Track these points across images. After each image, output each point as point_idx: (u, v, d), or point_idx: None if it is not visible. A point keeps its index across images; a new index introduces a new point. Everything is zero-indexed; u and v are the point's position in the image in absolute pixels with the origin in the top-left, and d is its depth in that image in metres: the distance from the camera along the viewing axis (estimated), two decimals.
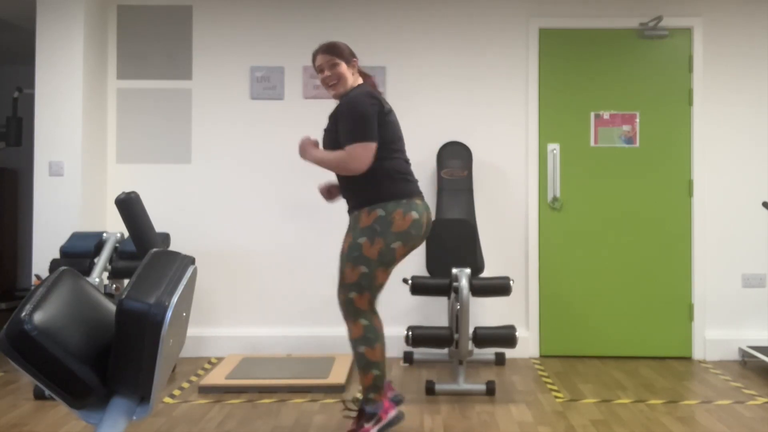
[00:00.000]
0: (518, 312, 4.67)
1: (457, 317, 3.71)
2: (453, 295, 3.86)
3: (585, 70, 4.68)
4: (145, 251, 3.29)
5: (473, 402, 3.59)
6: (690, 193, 4.65)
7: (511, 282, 3.84)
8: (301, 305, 4.68)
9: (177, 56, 4.73)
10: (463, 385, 3.72)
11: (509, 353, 4.62)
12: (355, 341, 2.88)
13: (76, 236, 3.98)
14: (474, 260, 3.97)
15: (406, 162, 2.98)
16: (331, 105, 4.61)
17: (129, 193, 3.28)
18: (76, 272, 2.02)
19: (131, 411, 1.91)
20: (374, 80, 3.11)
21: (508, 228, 4.67)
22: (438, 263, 3.99)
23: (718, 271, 4.62)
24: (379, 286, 2.89)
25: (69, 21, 4.39)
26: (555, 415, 3.38)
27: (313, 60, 3.00)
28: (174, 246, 4.69)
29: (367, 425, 2.88)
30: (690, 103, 4.65)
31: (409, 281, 3.94)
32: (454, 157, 4.55)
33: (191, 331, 4.66)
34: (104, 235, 3.99)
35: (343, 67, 2.94)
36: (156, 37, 4.73)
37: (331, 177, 4.64)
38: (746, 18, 4.65)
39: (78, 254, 3.88)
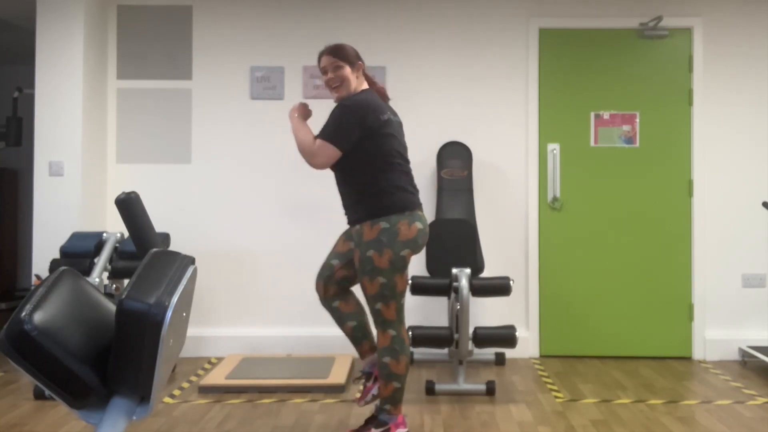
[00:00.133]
0: (518, 312, 4.67)
1: (457, 317, 3.71)
2: (453, 295, 3.86)
3: (585, 70, 4.68)
4: (145, 251, 3.29)
5: (473, 402, 3.59)
6: (690, 193, 4.65)
7: (511, 282, 3.84)
8: (301, 305, 4.68)
9: (177, 56, 4.73)
10: (463, 385, 3.73)
11: (509, 353, 4.62)
12: (382, 351, 2.87)
13: (76, 236, 3.98)
14: (474, 260, 3.97)
15: (407, 173, 2.91)
16: (331, 106, 4.60)
17: (129, 193, 3.28)
18: (76, 272, 2.02)
19: (131, 411, 1.91)
20: (384, 87, 3.07)
21: (508, 228, 4.67)
22: (438, 263, 3.99)
23: (718, 271, 4.62)
24: (401, 293, 2.86)
25: (69, 21, 4.39)
26: (555, 415, 3.38)
27: (319, 60, 2.97)
28: (174, 246, 4.69)
29: (374, 430, 2.88)
30: (690, 103, 4.65)
31: (409, 281, 3.94)
32: (454, 157, 4.55)
33: (191, 331, 4.66)
34: (104, 235, 3.99)
35: (347, 70, 2.91)
36: (156, 37, 4.73)
37: (331, 180, 4.65)
38: (746, 18, 4.65)
39: (78, 254, 3.88)
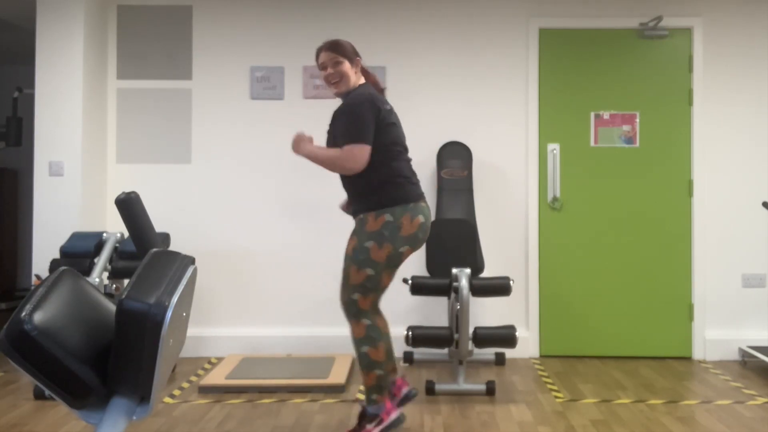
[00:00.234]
0: (518, 312, 4.67)
1: (457, 317, 3.71)
2: (453, 295, 3.86)
3: (585, 70, 4.68)
4: (145, 251, 3.30)
5: (473, 402, 3.59)
6: (690, 193, 4.65)
7: (511, 282, 3.84)
8: (301, 305, 4.68)
9: (177, 56, 4.73)
10: (463, 385, 3.72)
11: (509, 353, 4.62)
12: (358, 341, 2.88)
13: (76, 236, 3.98)
14: (474, 260, 3.97)
15: (409, 163, 2.98)
16: (331, 105, 4.61)
17: (129, 193, 3.28)
18: (76, 272, 2.02)
19: (131, 411, 1.91)
20: (376, 78, 3.10)
21: (508, 228, 4.67)
22: (438, 263, 3.99)
23: (718, 271, 4.62)
24: (383, 288, 2.88)
25: (69, 21, 4.39)
26: (555, 415, 3.38)
27: (317, 57, 3.00)
28: (174, 246, 4.69)
29: (369, 426, 2.88)
30: (690, 103, 4.65)
31: (409, 281, 3.94)
32: (454, 157, 4.55)
33: (191, 331, 4.66)
34: (104, 235, 3.99)
35: (347, 65, 2.94)
36: (156, 37, 4.73)
37: (333, 177, 4.65)
38: (746, 18, 4.65)
39: (78, 254, 3.88)
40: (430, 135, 4.68)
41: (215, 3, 4.74)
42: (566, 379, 4.09)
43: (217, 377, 3.87)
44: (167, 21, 4.73)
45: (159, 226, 4.69)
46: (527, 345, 4.63)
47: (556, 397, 3.70)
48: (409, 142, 4.57)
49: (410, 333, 3.72)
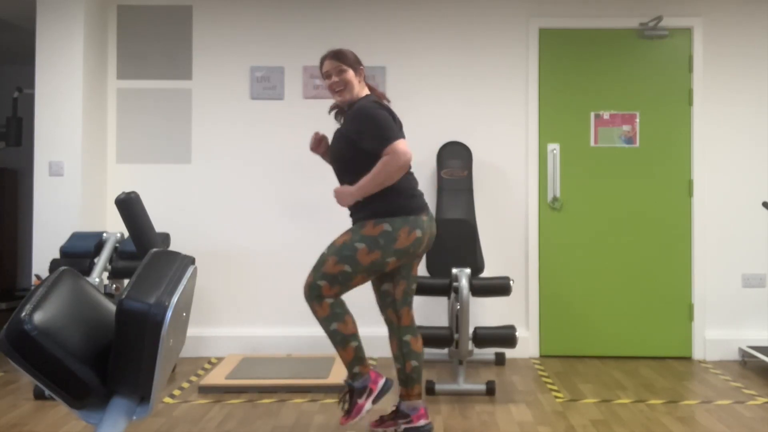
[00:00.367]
0: (518, 312, 4.67)
1: (457, 317, 3.71)
2: (453, 295, 3.86)
3: (585, 70, 4.68)
4: (145, 251, 3.29)
5: (473, 402, 3.59)
6: (690, 193, 4.65)
7: (511, 282, 3.84)
8: (301, 305, 4.68)
9: (177, 56, 4.73)
10: (463, 385, 3.72)
11: (509, 353, 4.62)
12: (325, 320, 2.86)
13: (76, 236, 3.98)
14: (474, 260, 3.97)
15: (412, 174, 2.99)
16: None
17: (129, 193, 3.28)
18: (76, 272, 2.02)
19: (131, 411, 1.91)
20: (384, 94, 3.12)
21: (508, 228, 4.67)
22: (438, 263, 3.99)
23: (718, 271, 4.62)
24: (352, 287, 2.88)
25: (69, 21, 4.39)
26: (555, 415, 3.38)
27: (321, 65, 3.04)
28: (174, 246, 4.69)
29: (360, 401, 2.86)
30: (690, 103, 4.65)
31: None
32: (454, 157, 4.55)
33: (191, 331, 4.66)
34: (104, 235, 3.99)
35: (351, 73, 2.98)
36: (156, 37, 4.73)
37: (333, 177, 4.65)
38: (746, 18, 4.65)
39: (78, 254, 3.88)
40: (430, 135, 4.68)
41: (215, 3, 4.74)
42: (566, 379, 4.09)
43: (217, 377, 3.87)
44: (167, 21, 4.73)
45: (159, 226, 4.69)
46: (527, 345, 4.63)
47: (556, 397, 3.70)
48: (409, 142, 4.57)
49: None
